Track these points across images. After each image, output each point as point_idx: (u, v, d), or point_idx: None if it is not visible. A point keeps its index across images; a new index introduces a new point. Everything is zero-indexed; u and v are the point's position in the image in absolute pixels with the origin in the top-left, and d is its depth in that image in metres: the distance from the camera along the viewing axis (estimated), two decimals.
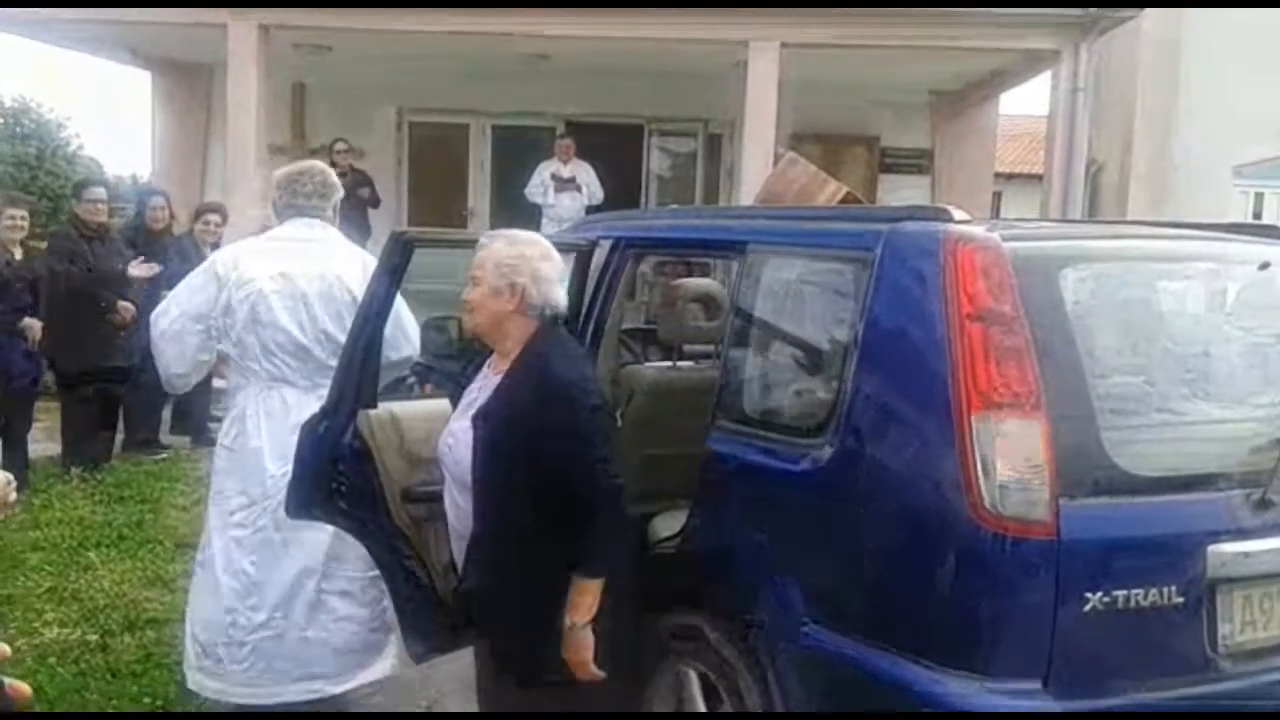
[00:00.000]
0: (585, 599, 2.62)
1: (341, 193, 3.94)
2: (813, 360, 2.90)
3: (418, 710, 3.92)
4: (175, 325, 3.66)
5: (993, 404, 2.37)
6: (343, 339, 3.44)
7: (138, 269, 6.86)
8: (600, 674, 2.68)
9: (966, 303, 2.45)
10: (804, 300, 2.99)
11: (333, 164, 10.56)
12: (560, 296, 2.76)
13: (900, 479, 2.51)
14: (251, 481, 3.61)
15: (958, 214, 2.66)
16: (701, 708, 3.02)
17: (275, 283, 3.61)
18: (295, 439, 3.26)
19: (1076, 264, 2.62)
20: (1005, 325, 2.43)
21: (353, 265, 3.72)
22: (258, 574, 3.59)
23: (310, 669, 3.63)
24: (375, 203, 10.87)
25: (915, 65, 10.67)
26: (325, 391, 3.34)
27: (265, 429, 3.62)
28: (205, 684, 3.68)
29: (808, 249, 3.03)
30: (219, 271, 3.66)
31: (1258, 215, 12.27)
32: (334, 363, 3.44)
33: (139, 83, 13.35)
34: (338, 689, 3.67)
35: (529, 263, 2.70)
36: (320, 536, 3.55)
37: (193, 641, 3.70)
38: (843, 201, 4.01)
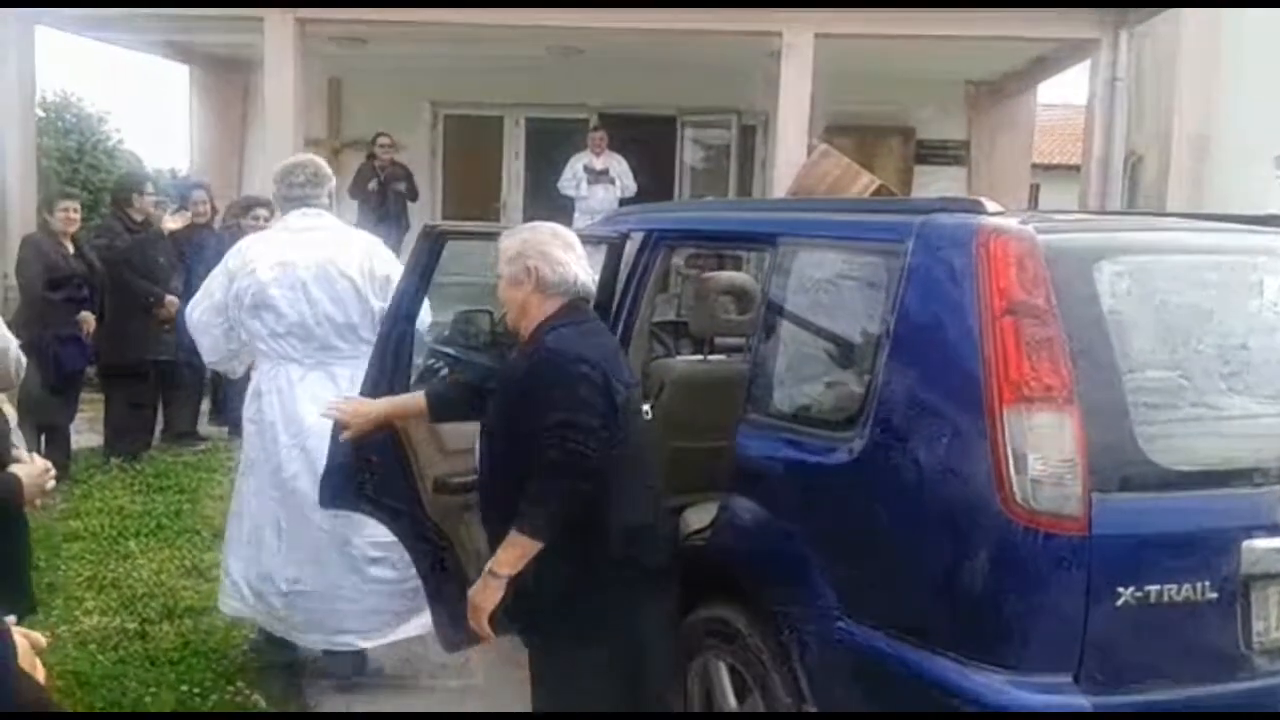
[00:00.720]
0: (509, 552, 2.63)
1: (334, 180, 4.23)
2: (844, 353, 2.89)
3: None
4: (204, 317, 4.01)
5: (1025, 397, 2.35)
6: (343, 320, 3.87)
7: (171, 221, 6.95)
8: (489, 633, 2.74)
9: (999, 295, 2.44)
10: (835, 293, 2.98)
11: (372, 157, 10.74)
12: (581, 275, 2.80)
13: (932, 473, 2.49)
14: (271, 451, 3.92)
15: (991, 206, 2.64)
16: (731, 700, 3.02)
17: (275, 271, 3.87)
18: (304, 410, 3.76)
19: (1111, 256, 2.59)
20: (1038, 318, 2.41)
21: (349, 249, 4.00)
22: (289, 529, 3.90)
23: (342, 624, 3.89)
24: (414, 196, 10.94)
25: (951, 55, 10.58)
26: (333, 368, 3.87)
27: (276, 403, 3.93)
28: (242, 610, 4.06)
29: (839, 241, 3.02)
30: (230, 265, 3.98)
31: None
32: (337, 342, 3.89)
33: (177, 77, 13.52)
34: (368, 644, 3.95)
35: (535, 245, 2.79)
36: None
37: (226, 576, 4.09)
38: (875, 194, 3.99)
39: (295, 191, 4.03)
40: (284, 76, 9.65)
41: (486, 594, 2.68)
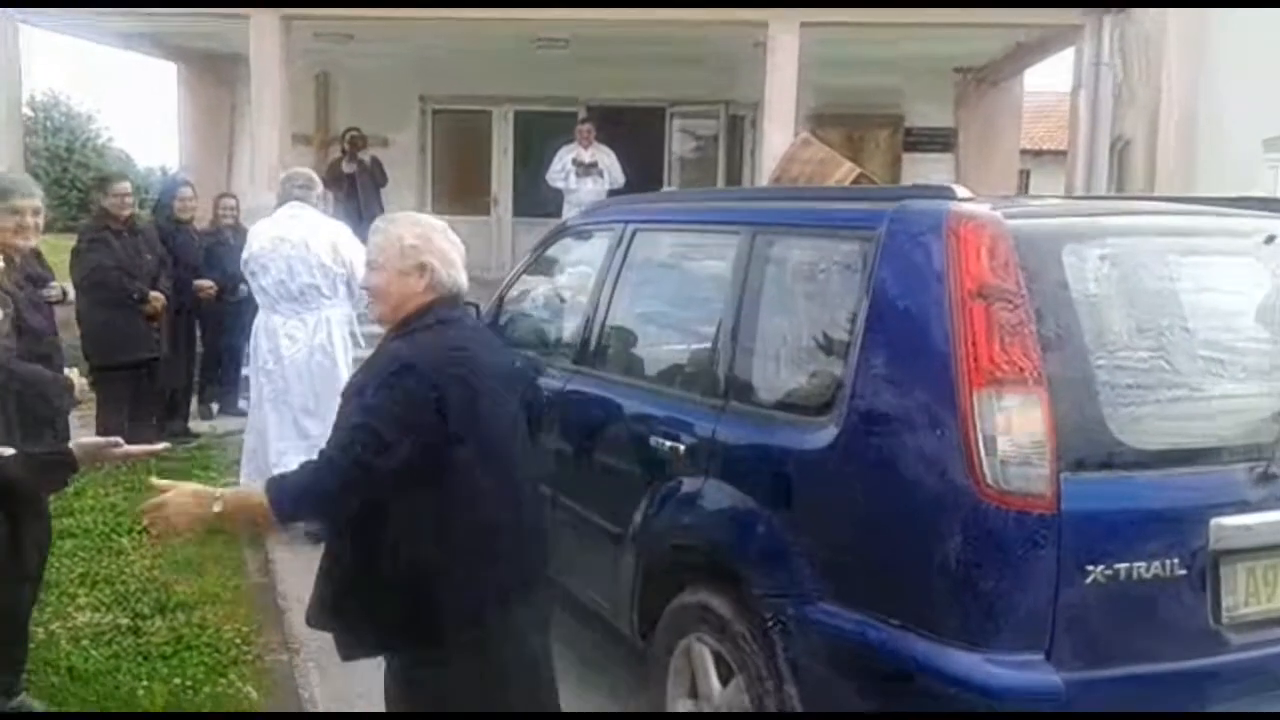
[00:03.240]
0: (244, 502, 2.48)
1: (320, 187, 5.93)
2: (818, 339, 2.92)
3: None
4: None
5: (995, 380, 2.39)
6: (309, 281, 5.57)
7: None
8: (155, 534, 2.63)
9: (969, 280, 2.47)
10: (810, 281, 3.01)
11: (344, 151, 10.96)
12: (462, 278, 2.63)
13: (905, 455, 2.53)
14: (262, 374, 5.73)
15: (961, 192, 2.68)
16: (714, 684, 3.06)
17: (269, 244, 5.62)
18: (283, 344, 5.61)
19: (1079, 240, 2.63)
20: (1008, 302, 2.45)
21: (319, 231, 5.66)
22: (276, 417, 5.65)
23: None
24: (383, 181, 11.29)
25: (938, 42, 10.60)
26: (303, 315, 5.62)
27: (263, 341, 5.72)
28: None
29: (814, 229, 3.06)
30: (248, 240, 5.81)
31: None
32: (306, 297, 5.60)
33: (166, 75, 13.51)
34: None
35: (432, 242, 2.59)
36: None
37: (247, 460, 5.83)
38: (855, 181, 4.03)
39: (295, 192, 5.69)
40: (271, 73, 9.66)
41: (191, 515, 2.41)
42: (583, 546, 3.77)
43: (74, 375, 2.97)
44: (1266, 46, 10.79)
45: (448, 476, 2.44)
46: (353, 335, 5.74)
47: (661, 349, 3.64)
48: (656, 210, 4.08)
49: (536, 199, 12.01)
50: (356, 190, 10.88)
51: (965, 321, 2.45)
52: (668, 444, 3.26)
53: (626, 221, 3.88)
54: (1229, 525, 2.44)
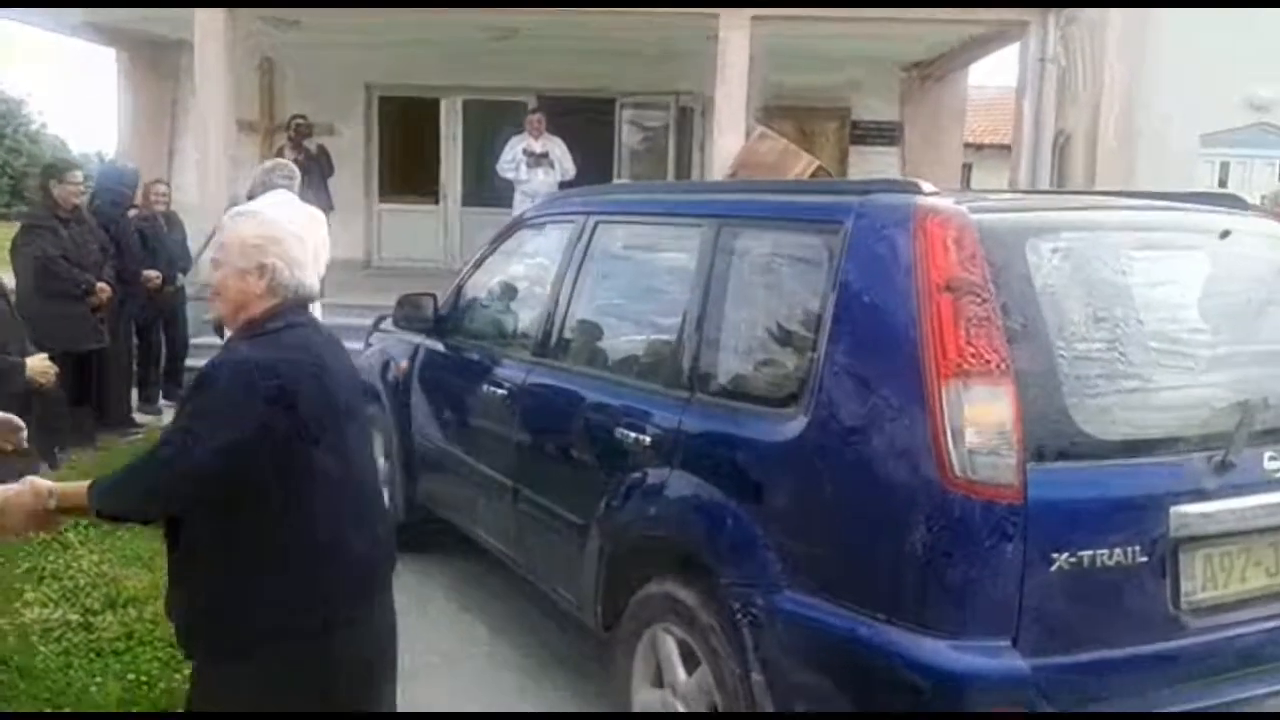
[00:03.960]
0: (77, 495, 2.34)
1: (299, 176, 6.10)
2: (785, 331, 2.94)
3: None
4: None
5: (962, 372, 2.42)
6: None
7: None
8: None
9: (936, 273, 2.51)
10: (776, 273, 3.04)
11: (289, 140, 10.76)
12: (312, 277, 2.47)
13: (873, 446, 2.56)
14: None
15: (926, 186, 2.71)
16: (680, 673, 3.08)
17: None
18: None
19: (1042, 234, 2.67)
20: (974, 295, 2.48)
21: (300, 217, 5.37)
22: None
23: None
24: (330, 171, 11.02)
25: (885, 37, 10.69)
26: None
27: None
28: None
29: (780, 222, 3.08)
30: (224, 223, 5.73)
31: (1223, 184, 12.40)
32: None
33: (98, 57, 13.23)
34: None
35: (276, 240, 2.42)
36: None
37: None
38: (813, 175, 4.05)
39: (279, 182, 5.93)
40: (215, 59, 9.49)
41: (28, 511, 2.35)
42: (546, 539, 3.78)
43: (38, 360, 2.88)
44: (1204, 46, 11.06)
45: (273, 485, 2.24)
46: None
47: (625, 341, 3.64)
48: (619, 202, 4.08)
49: (486, 189, 11.94)
50: (302, 179, 10.69)
51: (933, 314, 2.48)
52: (633, 435, 3.27)
53: (588, 213, 3.88)
54: (1188, 513, 2.50)
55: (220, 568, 2.28)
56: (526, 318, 4.16)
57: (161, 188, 8.55)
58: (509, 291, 4.53)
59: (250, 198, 5.67)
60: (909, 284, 2.54)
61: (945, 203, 2.63)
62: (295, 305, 2.42)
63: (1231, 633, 2.57)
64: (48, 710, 3.65)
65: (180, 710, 3.69)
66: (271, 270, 2.38)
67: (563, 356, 3.80)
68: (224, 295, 2.42)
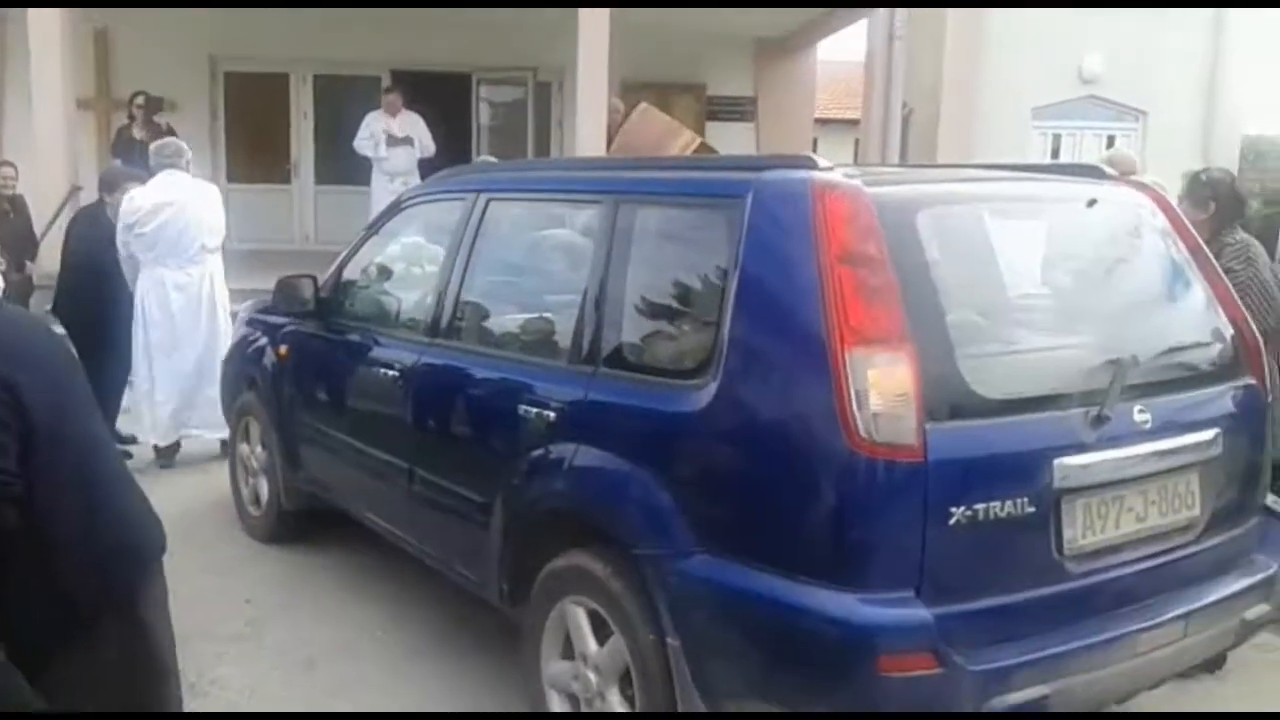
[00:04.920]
0: None
1: (189, 153, 6.56)
2: (689, 305, 3.01)
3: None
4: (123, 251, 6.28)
5: (864, 340, 2.54)
6: (194, 236, 6.30)
7: None
8: None
9: (836, 246, 2.61)
10: (677, 248, 3.11)
11: (131, 118, 10.21)
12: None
13: (780, 413, 2.66)
14: (149, 327, 6.32)
15: (822, 162, 2.81)
16: (591, 644, 3.13)
17: (157, 207, 6.17)
18: (171, 296, 6.29)
19: (931, 207, 2.82)
20: (872, 266, 2.61)
21: (198, 194, 6.41)
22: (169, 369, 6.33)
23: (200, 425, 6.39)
24: None
25: (739, 13, 10.87)
26: (191, 270, 6.32)
27: (146, 295, 6.30)
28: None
29: (678, 198, 3.15)
30: (123, 208, 6.18)
31: (1055, 154, 13.09)
32: (192, 252, 6.31)
33: None
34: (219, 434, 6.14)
35: None
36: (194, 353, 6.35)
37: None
38: (696, 151, 4.13)
39: (164, 162, 6.35)
40: (49, 29, 8.97)
41: None
42: (444, 519, 3.78)
43: None
44: (1034, 21, 11.62)
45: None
46: None
47: (522, 319, 3.65)
48: (510, 180, 4.08)
49: (341, 166, 11.69)
50: (148, 159, 10.13)
51: (834, 285, 2.58)
52: (534, 411, 3.29)
53: (479, 191, 3.86)
54: (1070, 465, 2.68)
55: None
56: (416, 297, 4.13)
57: (9, 170, 8.17)
58: (396, 272, 4.48)
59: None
60: (809, 257, 2.63)
61: (841, 178, 2.73)
62: None
63: (1108, 575, 2.78)
64: None
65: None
66: None
67: (457, 336, 3.79)
68: None
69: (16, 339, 2.00)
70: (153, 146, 6.61)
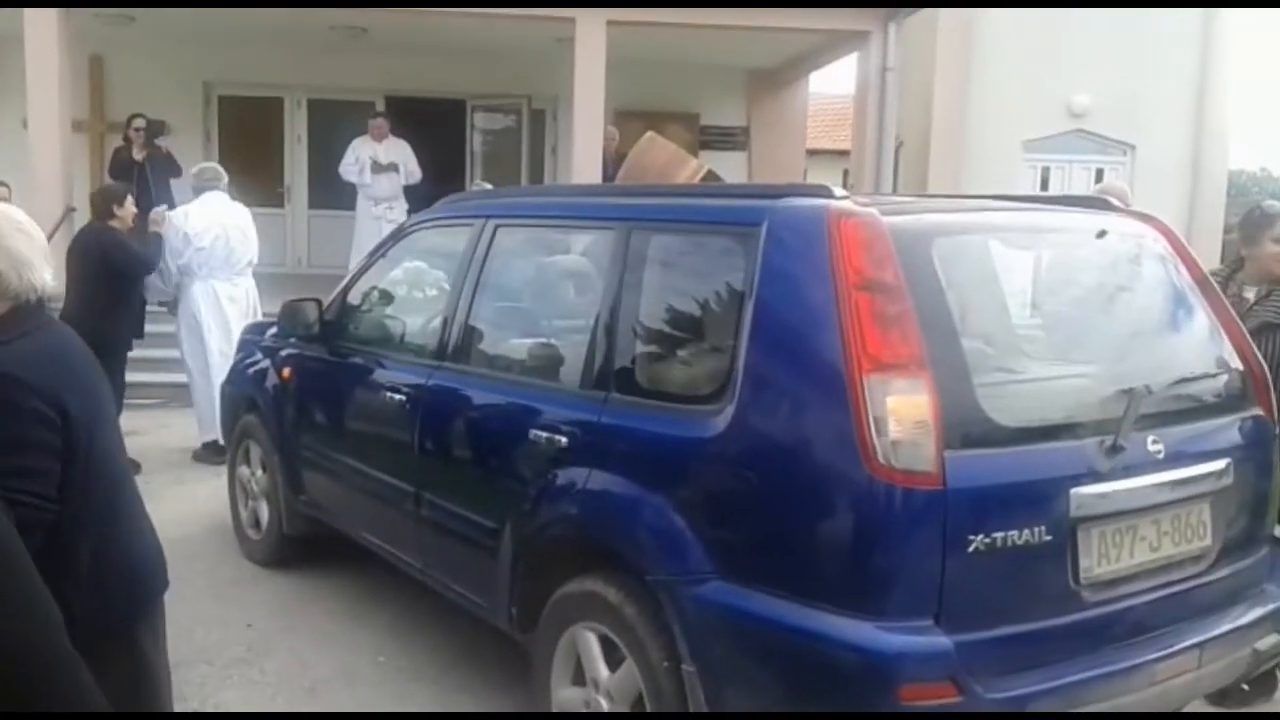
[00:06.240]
0: None
1: (226, 177, 7.21)
2: (705, 331, 3.02)
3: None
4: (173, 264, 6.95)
5: (882, 366, 2.55)
6: (241, 252, 7.08)
7: None
8: None
9: (853, 274, 2.63)
10: (691, 275, 3.12)
11: (127, 140, 10.16)
12: (47, 275, 2.14)
13: (797, 439, 2.67)
14: (206, 334, 7.01)
15: (837, 190, 2.84)
16: (603, 670, 3.12)
17: (210, 225, 6.90)
18: (225, 306, 6.98)
19: (945, 236, 2.84)
20: (889, 293, 2.62)
21: (239, 214, 7.14)
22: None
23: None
24: (176, 173, 10.45)
25: (733, 44, 10.96)
26: (238, 281, 7.10)
27: (203, 305, 6.98)
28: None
29: (692, 225, 3.17)
30: (176, 223, 6.91)
31: (1044, 186, 13.18)
32: (239, 265, 7.09)
33: None
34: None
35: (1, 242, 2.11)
36: None
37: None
38: (704, 179, 4.16)
39: (206, 184, 7.04)
40: (47, 57, 8.99)
41: None
42: (452, 544, 3.76)
43: None
44: (1026, 55, 11.75)
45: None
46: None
47: (533, 344, 3.66)
48: (519, 205, 4.09)
49: (334, 190, 11.69)
50: (146, 180, 9.91)
51: (851, 313, 2.60)
52: (545, 436, 3.29)
53: (486, 217, 3.88)
54: (1086, 494, 2.69)
55: None
56: (424, 322, 4.12)
57: (3, 190, 8.20)
58: (401, 296, 4.48)
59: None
60: (827, 284, 2.65)
61: (858, 207, 2.76)
62: (31, 308, 2.11)
63: (1123, 604, 2.79)
64: None
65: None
66: None
67: (466, 360, 3.79)
68: None
69: (68, 361, 2.05)
70: (194, 170, 7.35)
